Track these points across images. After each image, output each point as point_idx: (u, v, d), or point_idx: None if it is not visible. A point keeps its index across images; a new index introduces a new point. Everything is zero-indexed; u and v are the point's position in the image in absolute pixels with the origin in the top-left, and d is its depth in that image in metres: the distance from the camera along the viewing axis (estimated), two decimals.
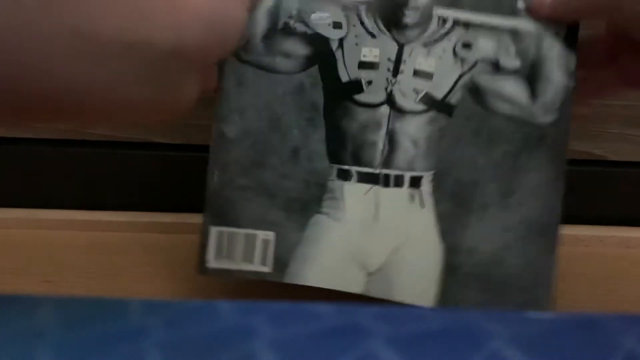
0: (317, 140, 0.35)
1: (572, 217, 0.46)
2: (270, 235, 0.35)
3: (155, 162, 0.47)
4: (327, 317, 0.17)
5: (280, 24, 0.34)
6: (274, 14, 0.34)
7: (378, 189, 0.35)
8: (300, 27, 0.35)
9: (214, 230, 0.35)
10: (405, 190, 0.35)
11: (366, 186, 0.35)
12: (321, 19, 0.34)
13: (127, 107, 0.24)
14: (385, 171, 0.35)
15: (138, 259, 0.44)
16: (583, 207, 0.47)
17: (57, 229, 0.46)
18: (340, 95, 0.35)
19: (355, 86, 0.35)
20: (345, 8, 0.34)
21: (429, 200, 0.35)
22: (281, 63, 0.35)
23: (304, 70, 0.35)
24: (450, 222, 0.35)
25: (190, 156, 0.46)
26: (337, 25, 0.35)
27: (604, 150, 0.46)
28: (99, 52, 0.21)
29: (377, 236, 0.35)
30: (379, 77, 0.35)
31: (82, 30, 0.20)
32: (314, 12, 0.35)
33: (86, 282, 0.42)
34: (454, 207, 0.35)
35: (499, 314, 0.17)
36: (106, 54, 0.21)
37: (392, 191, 0.35)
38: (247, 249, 0.35)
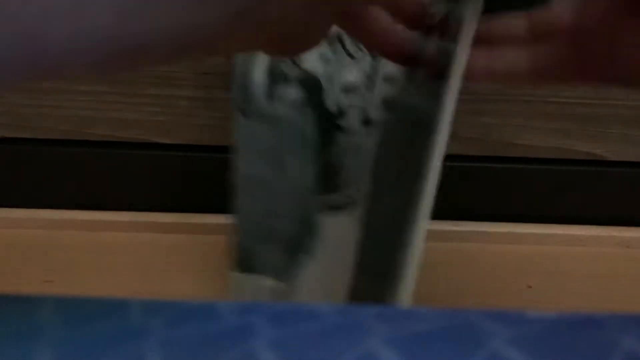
0: (310, 175, 0.36)
1: (571, 217, 0.46)
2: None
3: (155, 162, 0.47)
4: (327, 316, 0.17)
5: (277, 75, 0.35)
6: (272, 68, 0.35)
7: None
8: (293, 71, 0.35)
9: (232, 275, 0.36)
10: None
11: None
12: (310, 54, 0.35)
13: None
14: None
15: (138, 259, 0.44)
16: (583, 207, 0.47)
17: (57, 229, 0.46)
18: (331, 125, 0.35)
19: (341, 113, 0.35)
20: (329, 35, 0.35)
21: None
22: (281, 110, 0.35)
23: (300, 110, 0.35)
24: None
25: (191, 156, 0.46)
26: (322, 56, 0.35)
27: (604, 150, 0.46)
28: None
29: None
30: (359, 97, 0.35)
31: None
32: None
33: (86, 282, 0.42)
34: None
35: (499, 313, 0.17)
36: None
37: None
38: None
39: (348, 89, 0.35)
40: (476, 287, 0.42)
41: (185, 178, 0.46)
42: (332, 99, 0.35)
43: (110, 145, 0.46)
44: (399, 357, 0.16)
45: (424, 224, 0.24)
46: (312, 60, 0.35)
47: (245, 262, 0.36)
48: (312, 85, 0.35)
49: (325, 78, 0.35)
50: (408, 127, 0.30)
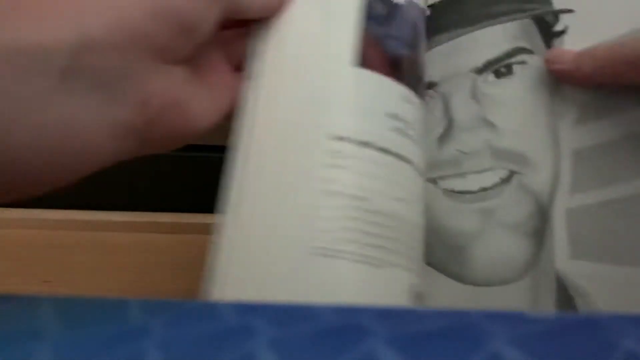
0: None
1: None
2: None
3: (155, 162, 0.47)
4: (327, 317, 0.17)
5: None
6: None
7: None
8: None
9: None
10: None
11: None
12: None
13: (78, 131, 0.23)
14: None
15: (138, 259, 0.44)
16: None
17: (57, 229, 0.46)
18: None
19: None
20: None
21: None
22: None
23: None
24: None
25: (191, 156, 0.46)
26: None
27: None
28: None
29: None
30: None
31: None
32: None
33: (86, 282, 0.42)
34: None
35: (499, 313, 0.17)
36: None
37: None
38: None
39: None
40: None
41: (185, 178, 0.46)
42: None
43: None
44: (399, 357, 0.16)
45: None
46: None
47: None
48: None
49: None
50: None
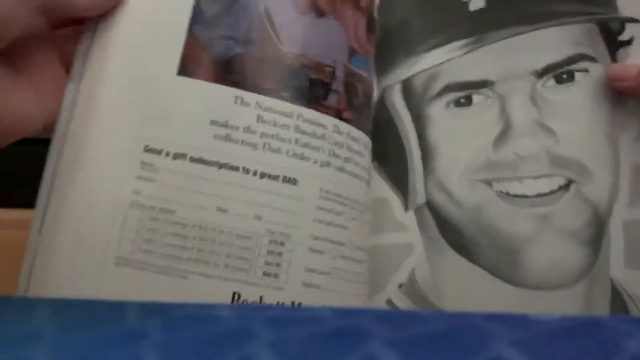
0: None
1: None
2: None
3: None
4: (327, 319, 0.17)
5: None
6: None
7: None
8: None
9: None
10: None
11: None
12: None
13: None
14: None
15: None
16: None
17: None
18: None
19: None
20: None
21: None
22: None
23: None
24: None
25: None
26: None
27: None
28: None
29: None
30: None
31: None
32: None
33: None
34: None
35: (501, 315, 0.17)
36: None
37: None
38: None
39: None
40: None
41: None
42: None
43: None
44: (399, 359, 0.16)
45: None
46: None
47: None
48: None
49: None
50: None
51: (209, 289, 0.28)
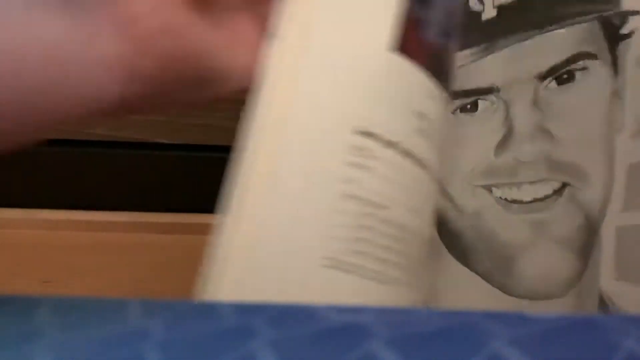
0: None
1: None
2: None
3: (155, 162, 0.47)
4: (327, 317, 0.17)
5: None
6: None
7: None
8: None
9: None
10: None
11: None
12: None
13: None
14: None
15: (138, 259, 0.44)
16: None
17: (57, 229, 0.46)
18: None
19: None
20: None
21: None
22: None
23: None
24: None
25: (191, 156, 0.46)
26: None
27: None
28: None
29: None
30: None
31: None
32: None
33: (85, 282, 0.42)
34: None
35: (499, 314, 0.17)
36: None
37: None
38: None
39: None
40: None
41: (185, 178, 0.46)
42: None
43: (110, 145, 0.46)
44: (399, 358, 0.16)
45: None
46: None
47: None
48: None
49: None
50: None
51: (397, 296, 0.25)
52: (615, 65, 0.34)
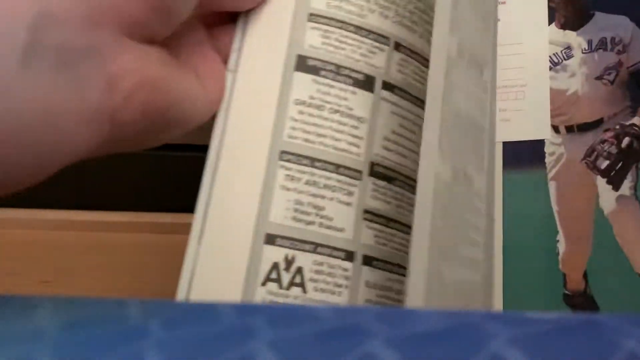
0: None
1: None
2: None
3: (155, 162, 0.47)
4: (327, 318, 0.17)
5: None
6: None
7: None
8: None
9: None
10: None
11: None
12: None
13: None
14: None
15: (138, 259, 0.44)
16: None
17: (57, 229, 0.46)
18: None
19: None
20: None
21: None
22: None
23: None
24: None
25: (190, 156, 0.46)
26: None
27: None
28: None
29: None
30: None
31: None
32: None
33: (85, 282, 0.42)
34: None
35: (499, 314, 0.17)
36: None
37: None
38: None
39: None
40: None
41: (185, 178, 0.46)
42: None
43: None
44: (399, 358, 0.16)
45: None
46: None
47: None
48: None
49: None
50: None
51: None
52: None
